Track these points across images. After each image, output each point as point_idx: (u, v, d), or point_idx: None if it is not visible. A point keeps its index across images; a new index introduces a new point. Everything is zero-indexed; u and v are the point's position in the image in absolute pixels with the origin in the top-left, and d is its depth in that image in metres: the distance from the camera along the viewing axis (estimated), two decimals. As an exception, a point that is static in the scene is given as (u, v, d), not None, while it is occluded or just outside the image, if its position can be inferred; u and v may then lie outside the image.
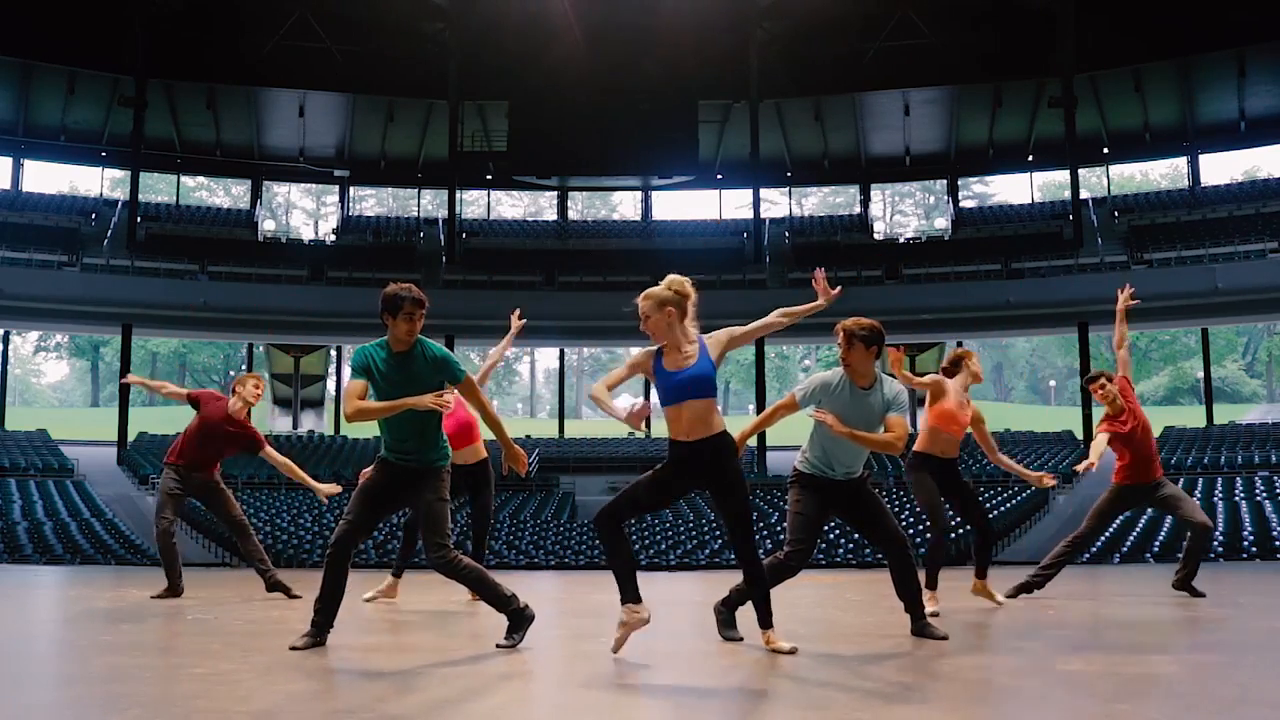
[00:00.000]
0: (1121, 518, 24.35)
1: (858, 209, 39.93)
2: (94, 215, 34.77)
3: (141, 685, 3.39)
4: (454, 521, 4.66)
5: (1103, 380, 7.24)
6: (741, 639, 4.68)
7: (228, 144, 37.14)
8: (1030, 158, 37.32)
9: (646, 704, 3.27)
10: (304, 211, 67.77)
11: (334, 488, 7.21)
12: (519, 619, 4.54)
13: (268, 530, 23.72)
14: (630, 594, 4.14)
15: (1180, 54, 32.85)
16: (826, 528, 23.55)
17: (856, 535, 17.41)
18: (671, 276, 4.38)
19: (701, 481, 4.21)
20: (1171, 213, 33.77)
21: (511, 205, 65.03)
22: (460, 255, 33.83)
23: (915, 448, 6.68)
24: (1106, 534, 23.39)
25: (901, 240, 40.39)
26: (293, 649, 4.24)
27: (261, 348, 37.06)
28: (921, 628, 4.70)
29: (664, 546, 23.79)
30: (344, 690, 3.50)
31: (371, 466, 4.59)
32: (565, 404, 39.40)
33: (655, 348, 4.29)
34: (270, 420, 38.36)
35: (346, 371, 60.31)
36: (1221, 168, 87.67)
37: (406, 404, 4.30)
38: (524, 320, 7.30)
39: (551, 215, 44.34)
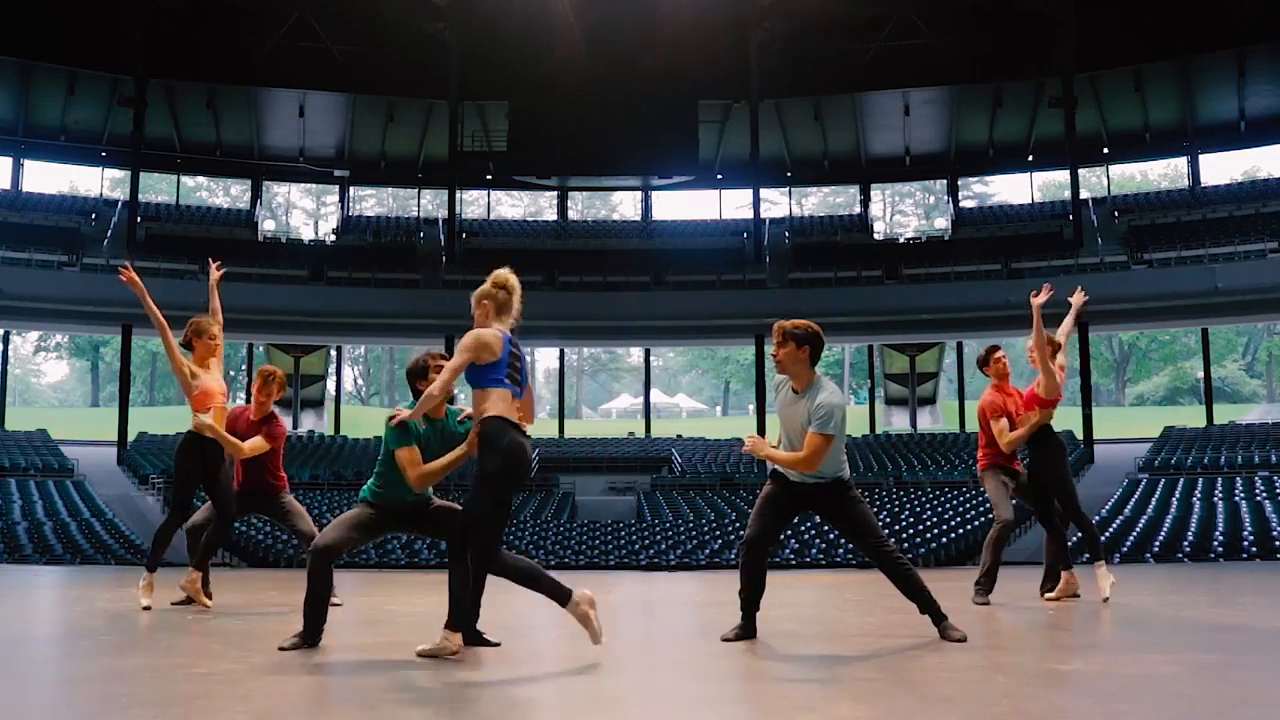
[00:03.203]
0: (1120, 517, 24.34)
1: (858, 209, 39.92)
2: (94, 215, 34.78)
3: (141, 685, 3.39)
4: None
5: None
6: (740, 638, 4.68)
7: (228, 144, 37.14)
8: (1030, 158, 37.32)
9: (647, 704, 3.27)
10: (304, 211, 67.80)
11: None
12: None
13: (268, 530, 23.73)
14: None
15: (1180, 54, 32.85)
16: (826, 528, 23.61)
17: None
18: (498, 272, 4.32)
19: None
20: (1171, 213, 33.77)
21: (511, 205, 65.04)
22: (460, 255, 33.83)
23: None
24: (1107, 533, 23.42)
25: (901, 240, 40.39)
26: (281, 649, 4.28)
27: (261, 347, 37.06)
28: (943, 630, 4.59)
29: (664, 547, 23.79)
30: (343, 690, 3.50)
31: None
32: (565, 404, 39.40)
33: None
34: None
35: (346, 371, 60.27)
36: (1221, 168, 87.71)
37: (458, 455, 4.42)
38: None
39: (551, 215, 44.33)
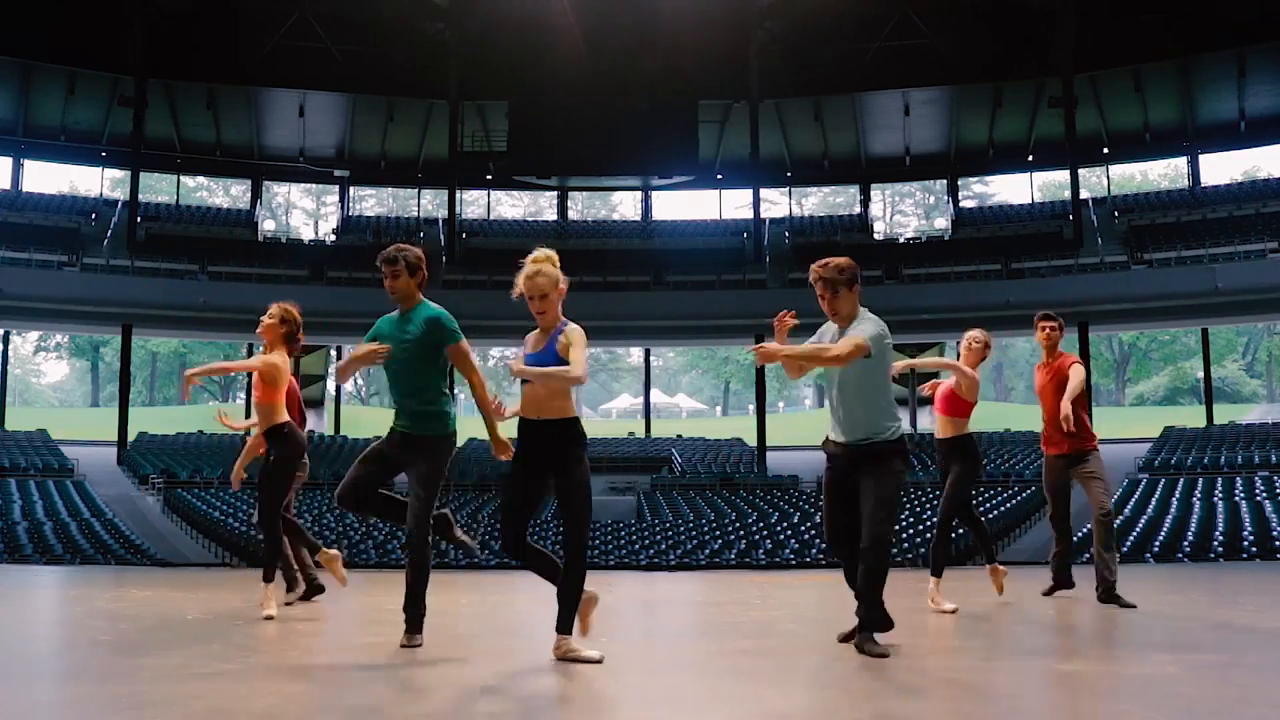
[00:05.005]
0: (1120, 517, 24.35)
1: (858, 209, 39.91)
2: (94, 215, 34.76)
3: (141, 685, 3.39)
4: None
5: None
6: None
7: (228, 144, 37.13)
8: (1030, 158, 37.30)
9: (646, 704, 3.27)
10: (304, 211, 67.76)
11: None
12: (415, 624, 4.50)
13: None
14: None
15: (1180, 54, 32.83)
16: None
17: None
18: (548, 252, 4.15)
19: (543, 463, 4.09)
20: (1171, 213, 33.76)
21: (511, 205, 65.01)
22: (460, 255, 33.81)
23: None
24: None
25: (901, 240, 40.39)
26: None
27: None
28: (861, 641, 4.13)
29: (664, 547, 23.78)
30: (344, 690, 3.50)
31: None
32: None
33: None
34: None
35: (346, 371, 60.42)
36: (1221, 168, 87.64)
37: (353, 356, 4.52)
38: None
39: (551, 215, 44.34)
